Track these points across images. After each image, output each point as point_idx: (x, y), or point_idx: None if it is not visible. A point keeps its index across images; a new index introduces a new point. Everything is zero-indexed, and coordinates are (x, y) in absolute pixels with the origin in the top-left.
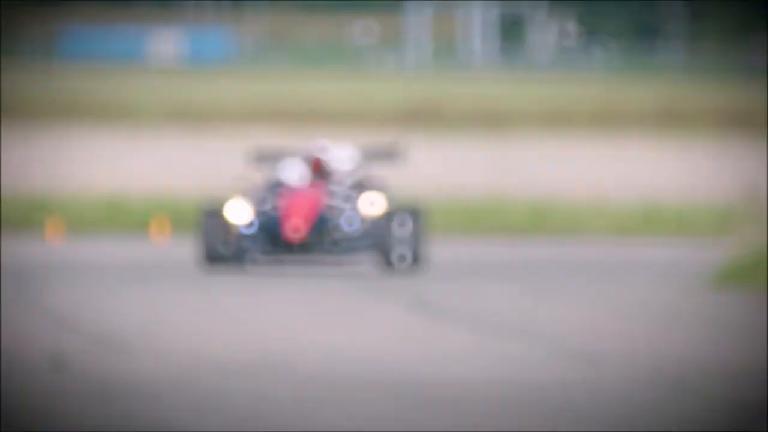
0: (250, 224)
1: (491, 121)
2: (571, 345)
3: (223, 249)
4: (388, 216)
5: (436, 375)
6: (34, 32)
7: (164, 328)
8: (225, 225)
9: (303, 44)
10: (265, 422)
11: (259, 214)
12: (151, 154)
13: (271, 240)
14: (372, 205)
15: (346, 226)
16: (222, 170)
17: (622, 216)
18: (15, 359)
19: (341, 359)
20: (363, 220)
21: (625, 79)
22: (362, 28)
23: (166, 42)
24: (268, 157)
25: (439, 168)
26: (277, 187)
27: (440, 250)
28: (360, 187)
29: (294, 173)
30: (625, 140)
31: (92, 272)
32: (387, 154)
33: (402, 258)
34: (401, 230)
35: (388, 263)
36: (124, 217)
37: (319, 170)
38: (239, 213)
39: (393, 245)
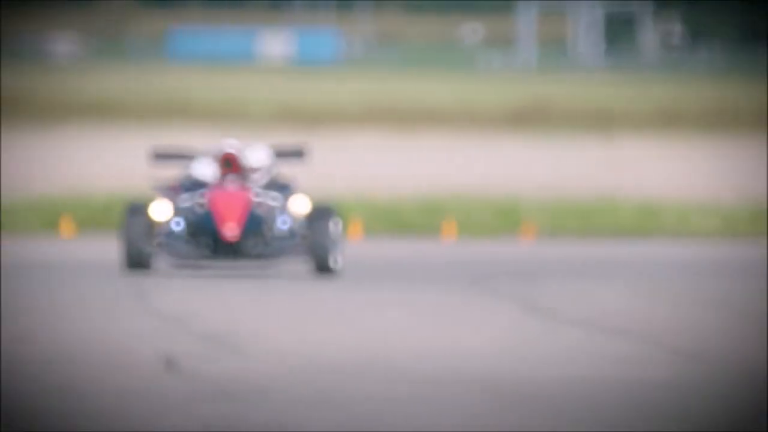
0: (176, 222)
1: (598, 121)
2: (681, 344)
3: (148, 248)
4: (319, 215)
5: (549, 374)
6: (145, 32)
7: (274, 328)
8: (149, 224)
9: (411, 45)
10: (378, 423)
11: (183, 211)
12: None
13: (204, 239)
14: (301, 203)
15: (280, 225)
16: (333, 170)
17: (732, 215)
18: (126, 360)
19: (452, 360)
20: (294, 219)
21: (731, 79)
22: (470, 29)
23: (275, 43)
24: (166, 156)
25: (547, 168)
26: (196, 185)
27: (548, 251)
28: (277, 184)
29: (209, 170)
30: (732, 140)
31: (201, 271)
32: (295, 153)
33: (335, 261)
34: (335, 231)
35: (324, 266)
36: None
37: (231, 166)
38: (163, 210)
39: (330, 247)
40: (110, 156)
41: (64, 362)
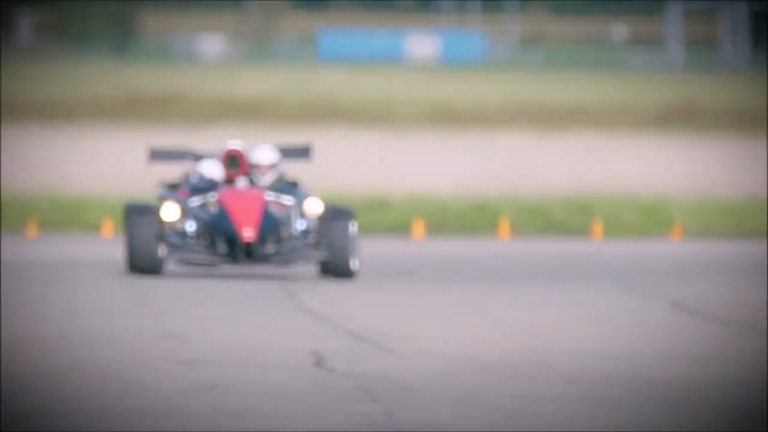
0: (188, 223)
1: (744, 120)
2: None
3: (157, 250)
4: (336, 217)
5: (700, 376)
6: (294, 33)
7: (423, 328)
8: (158, 224)
9: (556, 45)
10: (526, 420)
11: (195, 212)
12: (411, 153)
13: (219, 240)
14: (314, 204)
15: (296, 225)
16: (480, 170)
17: None
18: (278, 358)
19: (601, 360)
20: (309, 219)
21: None
22: (617, 29)
23: (422, 44)
24: (164, 156)
25: (694, 168)
26: (203, 186)
27: (696, 250)
28: (285, 184)
29: (216, 170)
30: None
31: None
32: (302, 152)
33: (354, 263)
34: (353, 233)
35: (344, 269)
36: (387, 216)
37: (237, 164)
38: (173, 211)
39: (351, 249)
40: None
41: (217, 361)
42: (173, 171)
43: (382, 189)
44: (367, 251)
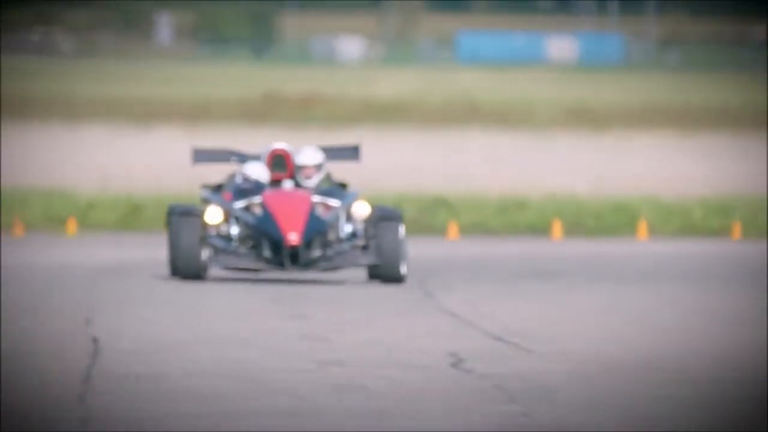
0: (233, 226)
1: None
2: None
3: (200, 254)
4: (386, 220)
5: None
6: (433, 35)
7: (560, 328)
8: (203, 227)
9: (695, 46)
10: (663, 424)
11: (239, 214)
12: (549, 154)
13: (263, 243)
14: (362, 207)
15: (343, 228)
16: (618, 170)
17: None
18: (416, 358)
19: (734, 361)
20: (357, 222)
21: None
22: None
23: (560, 46)
24: (207, 157)
25: None
26: (248, 188)
27: None
28: (333, 186)
29: (261, 172)
30: None
31: (488, 270)
32: (350, 153)
33: (404, 268)
34: (402, 237)
35: (394, 273)
36: (526, 216)
37: (282, 165)
38: (217, 214)
39: (401, 253)
40: (406, 157)
41: (356, 362)
42: (219, 172)
43: (520, 189)
44: (505, 252)
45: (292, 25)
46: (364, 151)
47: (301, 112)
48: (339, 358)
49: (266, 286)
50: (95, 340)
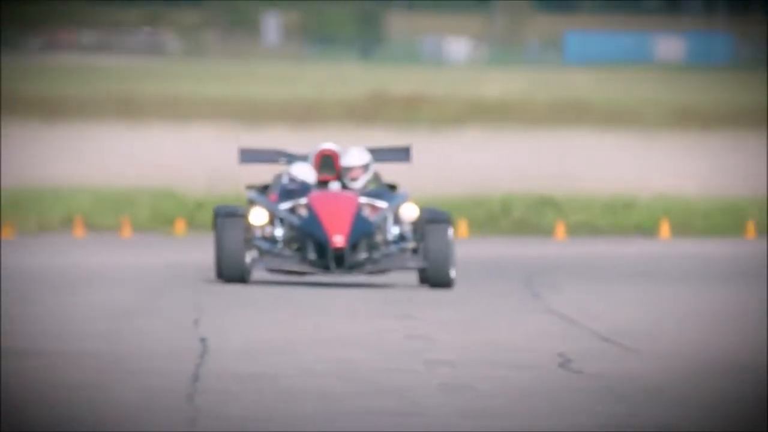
0: (277, 228)
1: None
2: None
3: (245, 256)
4: (435, 222)
5: None
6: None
7: (667, 328)
8: (247, 229)
9: None
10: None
11: (285, 215)
12: (657, 154)
13: (309, 245)
14: (410, 209)
15: (391, 231)
16: (726, 170)
17: None
18: (522, 358)
19: None
20: (405, 225)
21: None
22: None
23: (668, 46)
24: (254, 158)
25: None
26: (294, 189)
27: None
28: (382, 187)
29: (308, 173)
30: None
31: (595, 270)
32: (401, 153)
33: (454, 272)
34: (451, 239)
35: (442, 277)
36: (633, 216)
37: (330, 166)
38: (261, 215)
39: (450, 256)
40: (513, 157)
41: (463, 362)
42: (266, 172)
43: (628, 189)
44: (612, 252)
45: (399, 25)
46: (472, 151)
47: (407, 112)
48: (446, 359)
49: (374, 287)
50: (203, 340)
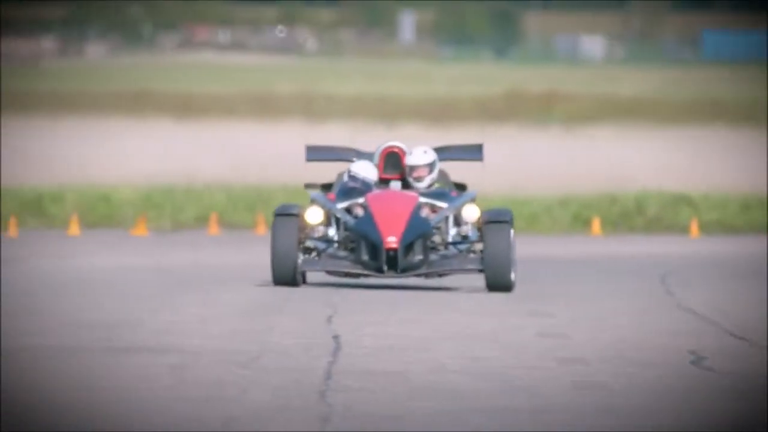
0: (332, 227)
1: None
2: None
3: (297, 257)
4: (495, 224)
5: None
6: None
7: None
8: (302, 229)
9: None
10: None
11: (341, 215)
12: None
13: (362, 246)
14: (471, 210)
15: (450, 232)
16: None
17: None
18: (654, 355)
19: None
20: (465, 227)
21: None
22: None
23: None
24: (320, 155)
25: None
26: (360, 186)
27: None
28: (448, 186)
29: (370, 171)
30: None
31: (729, 268)
32: (473, 151)
33: (514, 275)
34: (513, 242)
35: (503, 281)
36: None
37: (395, 164)
38: (317, 214)
39: (512, 259)
40: (648, 155)
41: (595, 359)
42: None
43: (763, 187)
44: (746, 250)
45: (535, 23)
46: (606, 149)
47: (542, 110)
48: (579, 356)
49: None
50: (336, 338)
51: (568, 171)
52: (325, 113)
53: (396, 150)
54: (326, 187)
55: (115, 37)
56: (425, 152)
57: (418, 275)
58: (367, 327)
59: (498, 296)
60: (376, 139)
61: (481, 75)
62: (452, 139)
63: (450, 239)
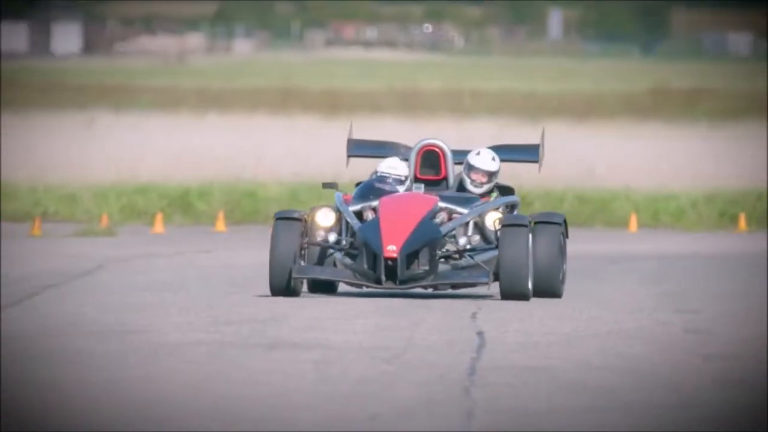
0: (332, 234)
1: None
2: None
3: (292, 265)
4: (511, 230)
5: None
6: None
7: None
8: (304, 234)
9: None
10: None
11: (347, 218)
12: None
13: (363, 254)
14: (492, 217)
15: (463, 240)
16: None
17: None
18: None
19: None
20: (483, 235)
21: None
22: None
23: None
24: (360, 151)
25: None
26: (387, 188)
27: None
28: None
29: (402, 170)
30: None
31: None
32: (528, 153)
33: (531, 284)
34: (530, 249)
35: (519, 291)
36: None
37: (435, 165)
38: (328, 216)
39: (528, 267)
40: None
41: (738, 355)
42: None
43: None
44: None
45: (681, 20)
46: (752, 147)
47: (687, 106)
48: (724, 352)
49: (653, 279)
50: (480, 334)
51: (713, 167)
52: (471, 110)
53: (435, 149)
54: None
55: (262, 34)
56: (494, 159)
57: (424, 287)
58: (511, 323)
59: (644, 293)
60: (521, 135)
61: (627, 71)
62: (598, 135)
63: (461, 247)
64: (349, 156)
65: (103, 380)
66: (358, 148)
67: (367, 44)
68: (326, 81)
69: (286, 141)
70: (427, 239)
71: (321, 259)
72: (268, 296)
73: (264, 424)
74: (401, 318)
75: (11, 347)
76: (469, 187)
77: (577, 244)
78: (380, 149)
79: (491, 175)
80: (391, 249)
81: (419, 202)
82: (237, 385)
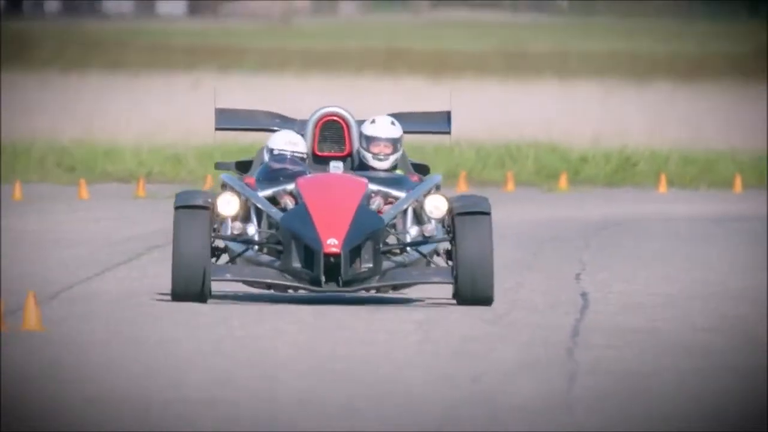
0: (250, 224)
1: None
2: None
3: (205, 264)
4: (468, 218)
5: None
6: None
7: None
8: (211, 225)
9: None
10: None
11: (263, 207)
12: None
13: (293, 249)
14: (438, 202)
15: (410, 231)
16: None
17: None
18: None
19: None
20: (429, 224)
21: None
22: None
23: None
24: (229, 122)
25: None
26: (289, 168)
27: None
28: (407, 169)
29: (298, 145)
30: None
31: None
32: (438, 123)
33: (492, 283)
34: (491, 243)
35: (479, 292)
36: None
37: (338, 138)
38: (231, 204)
39: (490, 262)
40: None
41: None
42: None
43: None
44: None
45: None
46: None
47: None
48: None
49: (758, 239)
50: (584, 295)
51: None
52: (577, 71)
53: (336, 118)
54: (243, 167)
55: None
56: (393, 123)
57: (367, 289)
58: (615, 284)
59: (749, 254)
60: (626, 98)
61: (734, 32)
62: (703, 97)
63: (409, 240)
64: (217, 129)
65: (212, 339)
66: (227, 120)
67: (474, 5)
68: (432, 42)
69: (391, 103)
70: (369, 230)
71: (233, 259)
72: None
73: (368, 382)
74: (506, 279)
75: (121, 305)
76: (372, 162)
77: (681, 205)
78: (253, 121)
79: (395, 142)
80: (332, 243)
81: (347, 184)
82: (341, 343)
